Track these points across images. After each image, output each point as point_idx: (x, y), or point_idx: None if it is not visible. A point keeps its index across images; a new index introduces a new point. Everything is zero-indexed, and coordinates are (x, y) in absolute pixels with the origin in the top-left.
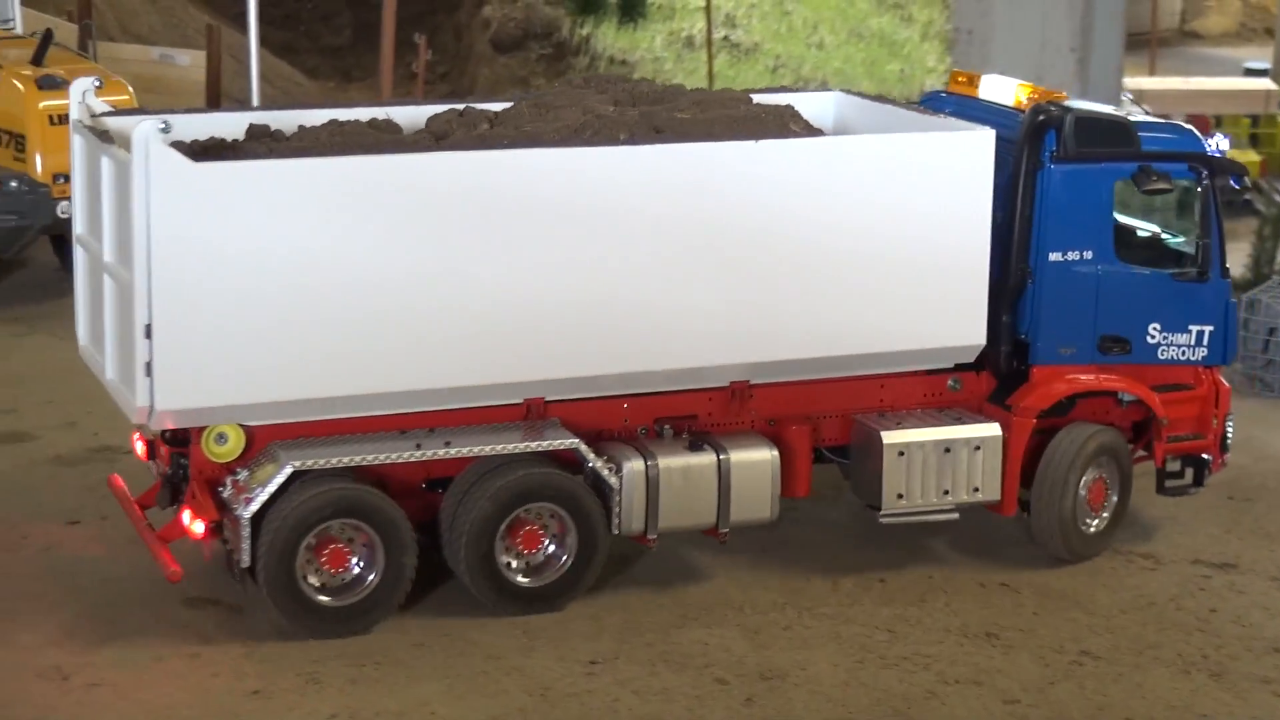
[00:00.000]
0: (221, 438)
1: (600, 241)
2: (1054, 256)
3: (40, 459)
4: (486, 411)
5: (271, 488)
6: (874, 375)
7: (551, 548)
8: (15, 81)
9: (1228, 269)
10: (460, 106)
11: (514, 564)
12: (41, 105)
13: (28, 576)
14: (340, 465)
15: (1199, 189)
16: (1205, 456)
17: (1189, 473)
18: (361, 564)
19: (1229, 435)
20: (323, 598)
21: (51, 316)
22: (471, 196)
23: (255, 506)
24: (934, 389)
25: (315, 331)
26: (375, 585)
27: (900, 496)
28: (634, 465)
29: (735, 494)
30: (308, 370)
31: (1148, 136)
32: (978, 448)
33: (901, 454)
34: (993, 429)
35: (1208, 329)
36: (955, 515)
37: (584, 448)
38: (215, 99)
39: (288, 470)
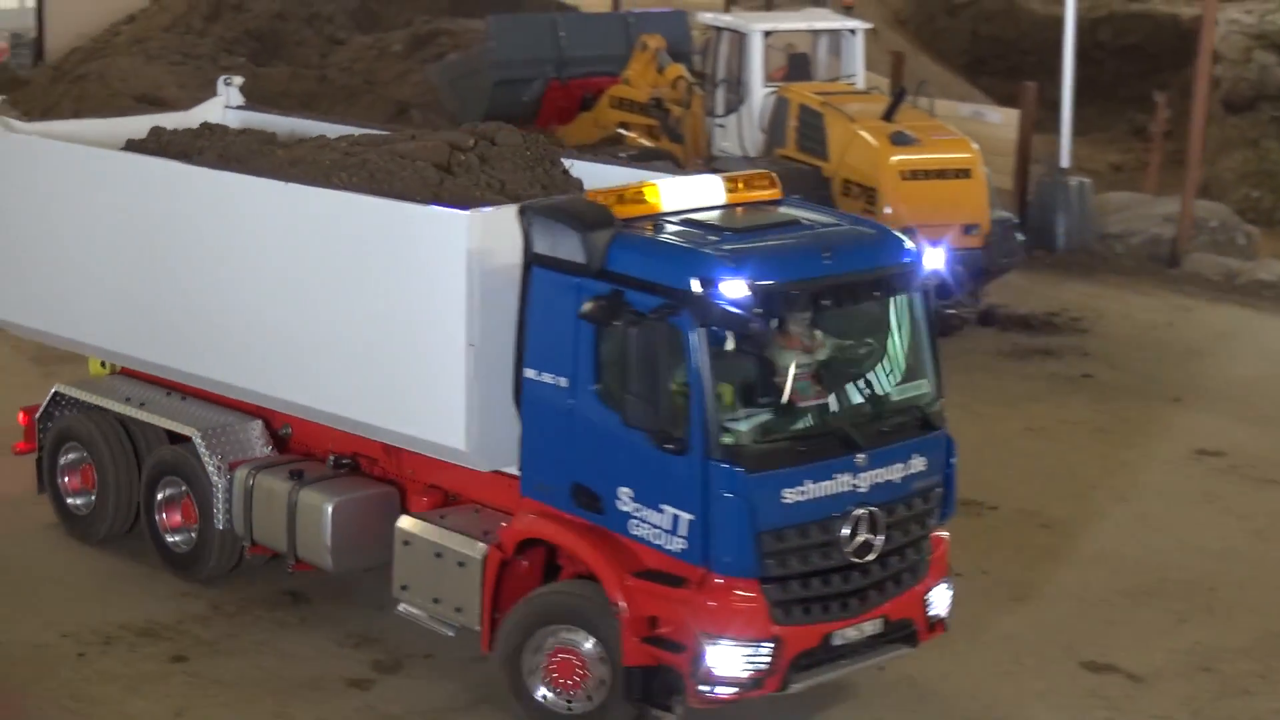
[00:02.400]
0: (104, 363)
1: (196, 254)
2: (529, 373)
3: None
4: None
5: (43, 404)
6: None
7: (183, 521)
8: (867, 135)
9: (726, 445)
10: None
11: (159, 524)
12: (893, 160)
13: None
14: (82, 400)
15: (640, 328)
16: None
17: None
18: (93, 484)
19: (706, 661)
20: (75, 504)
21: None
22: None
23: (36, 415)
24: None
25: (94, 294)
26: (96, 503)
27: (405, 588)
28: (241, 472)
29: (300, 533)
30: (96, 324)
31: (640, 256)
32: (461, 564)
33: (407, 544)
34: (476, 549)
35: (685, 516)
36: (450, 633)
37: (198, 439)
38: (1025, 157)
39: (52, 391)
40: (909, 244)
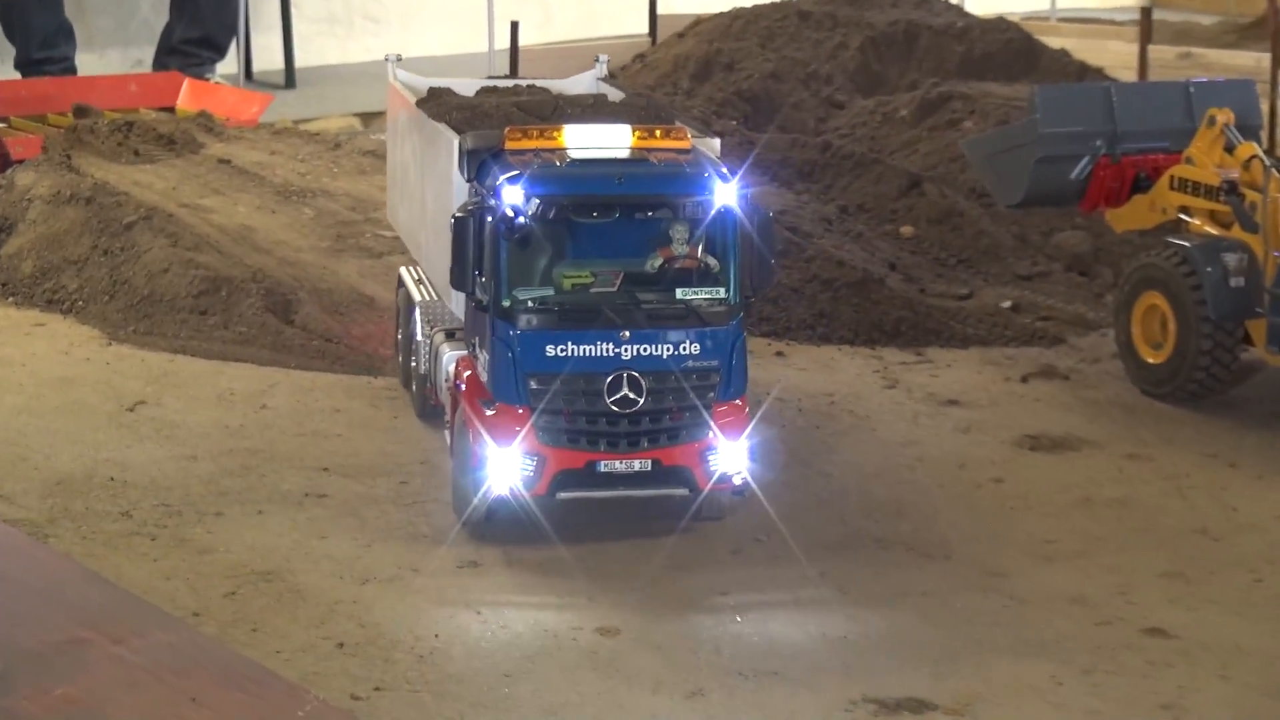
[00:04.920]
0: None
1: None
2: None
3: None
4: None
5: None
6: None
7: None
8: None
9: (505, 307)
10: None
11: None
12: None
13: None
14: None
15: (460, 217)
16: None
17: None
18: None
19: (489, 463)
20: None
21: None
22: None
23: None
24: None
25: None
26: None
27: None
28: (433, 332)
29: (435, 375)
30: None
31: (484, 169)
32: (445, 377)
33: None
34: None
35: (486, 357)
36: None
37: (418, 309)
38: None
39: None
40: (715, 182)
